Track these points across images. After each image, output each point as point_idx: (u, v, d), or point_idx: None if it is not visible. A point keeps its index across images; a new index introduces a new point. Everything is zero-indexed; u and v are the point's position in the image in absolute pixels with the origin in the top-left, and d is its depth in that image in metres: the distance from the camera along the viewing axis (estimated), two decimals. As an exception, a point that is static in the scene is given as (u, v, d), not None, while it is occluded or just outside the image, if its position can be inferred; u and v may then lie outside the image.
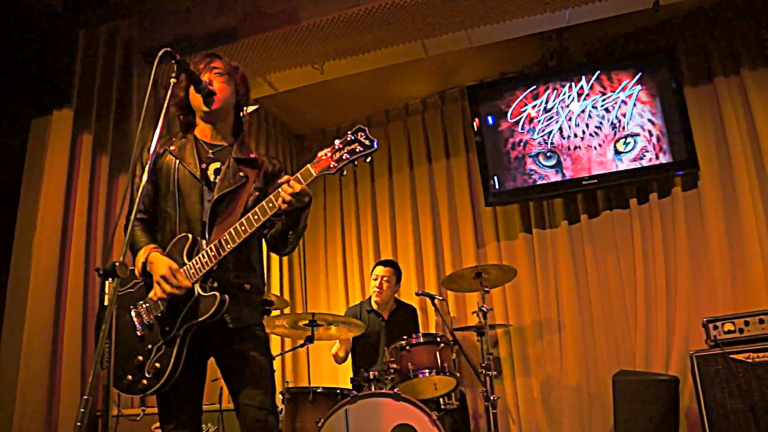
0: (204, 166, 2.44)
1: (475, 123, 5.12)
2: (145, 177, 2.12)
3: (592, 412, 4.68)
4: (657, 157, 4.75)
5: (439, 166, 5.59)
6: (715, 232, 4.64)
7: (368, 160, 2.27)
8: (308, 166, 2.27)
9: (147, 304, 2.33)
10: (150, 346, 2.29)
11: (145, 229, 2.45)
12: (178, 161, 2.44)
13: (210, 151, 2.49)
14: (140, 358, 2.28)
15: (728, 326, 3.87)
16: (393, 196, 5.70)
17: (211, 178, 2.43)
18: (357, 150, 2.25)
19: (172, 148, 2.48)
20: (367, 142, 2.26)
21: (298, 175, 2.26)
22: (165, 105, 2.22)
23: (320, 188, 5.92)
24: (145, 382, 2.27)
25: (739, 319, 3.87)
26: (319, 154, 2.28)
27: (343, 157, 2.24)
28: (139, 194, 2.11)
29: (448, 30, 4.45)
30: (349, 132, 2.26)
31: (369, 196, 5.77)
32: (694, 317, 4.40)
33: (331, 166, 2.25)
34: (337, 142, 2.27)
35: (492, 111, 5.11)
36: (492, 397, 4.10)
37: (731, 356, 3.74)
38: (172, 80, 2.27)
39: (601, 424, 4.56)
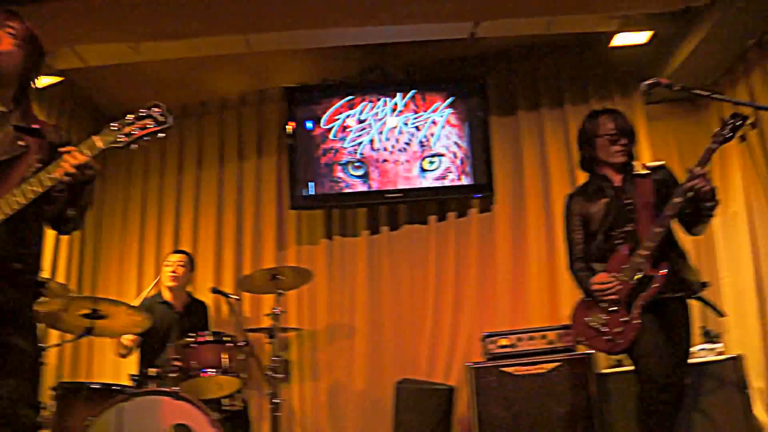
0: None
1: (289, 125, 5.09)
2: None
3: (374, 418, 4.77)
4: (459, 179, 5.00)
5: (249, 165, 5.47)
6: (503, 253, 4.97)
7: (161, 135, 2.17)
8: (93, 137, 2.10)
9: None
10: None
11: None
12: None
13: None
14: None
15: (503, 341, 4.14)
16: (199, 190, 5.48)
17: None
18: (148, 126, 2.14)
19: None
20: (161, 119, 2.16)
21: (81, 145, 2.09)
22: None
23: (122, 173, 5.57)
24: None
25: (513, 335, 4.16)
26: (109, 127, 2.14)
27: (133, 132, 2.12)
28: None
29: (272, 29, 4.41)
30: (142, 108, 2.15)
31: (173, 188, 5.50)
32: (476, 331, 4.63)
33: (118, 138, 2.12)
34: (129, 116, 2.15)
35: (309, 115, 5.10)
36: (277, 401, 4.07)
37: (502, 369, 4.00)
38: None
39: (383, 429, 4.66)
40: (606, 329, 3.00)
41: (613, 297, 2.98)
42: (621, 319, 2.96)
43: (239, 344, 4.14)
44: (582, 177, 3.52)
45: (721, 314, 3.23)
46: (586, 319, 3.09)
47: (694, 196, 2.91)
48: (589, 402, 3.85)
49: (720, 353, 3.99)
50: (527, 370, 3.99)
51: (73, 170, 2.06)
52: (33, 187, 2.06)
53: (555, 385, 3.92)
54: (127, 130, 2.12)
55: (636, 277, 2.96)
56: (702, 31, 4.39)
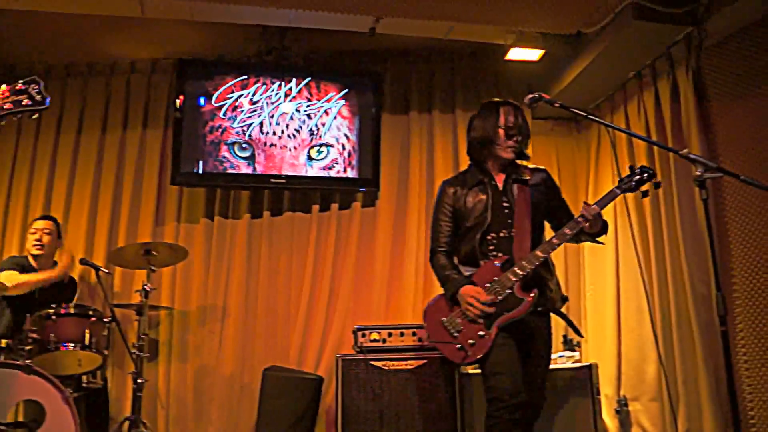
0: None
1: (179, 99, 4.93)
2: None
3: (241, 403, 4.73)
4: (345, 171, 5.02)
5: (133, 134, 5.24)
6: (382, 249, 5.05)
7: (34, 116, 2.05)
8: None
9: None
10: None
11: None
12: None
13: None
14: None
15: (374, 335, 4.21)
16: (77, 155, 5.19)
17: None
18: (24, 102, 2.02)
19: None
20: (38, 98, 2.05)
21: None
22: None
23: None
24: None
25: (384, 330, 4.23)
26: None
27: (5, 106, 2.00)
28: None
29: (171, -5, 4.26)
30: (21, 81, 2.02)
31: (50, 149, 5.17)
32: (349, 323, 4.70)
33: None
34: (4, 87, 2.01)
35: (201, 91, 4.96)
36: (140, 380, 3.96)
37: (371, 362, 4.07)
38: None
39: (248, 416, 4.62)
40: (458, 335, 2.93)
41: (477, 313, 2.90)
42: (478, 332, 2.89)
43: (104, 319, 4.00)
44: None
45: (579, 334, 3.29)
46: (442, 319, 3.01)
47: (583, 230, 2.96)
48: (453, 400, 3.99)
49: (577, 361, 4.25)
50: (395, 366, 4.08)
51: None
52: None
53: (421, 382, 4.04)
54: None
55: (503, 295, 2.90)
56: (589, 57, 4.62)
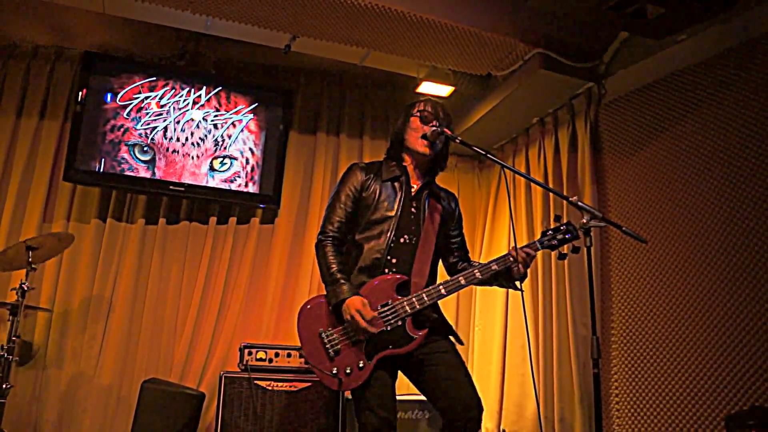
0: None
1: (82, 92, 4.73)
2: None
3: (117, 416, 4.54)
4: (246, 185, 4.96)
5: (29, 123, 4.94)
6: (277, 268, 5.02)
7: None
8: None
9: None
10: None
11: None
12: None
13: None
14: None
15: (261, 354, 4.16)
16: (-38, 137, 4.88)
17: None
18: None
19: None
20: None
21: None
22: None
23: None
24: None
25: (272, 349, 4.20)
26: None
27: None
28: None
29: (80, -17, 4.12)
30: None
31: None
32: (237, 340, 4.63)
33: None
34: None
35: (106, 87, 4.79)
36: (5, 385, 3.74)
37: (255, 381, 4.01)
38: None
39: (123, 429, 4.43)
40: (335, 357, 2.65)
41: (360, 336, 2.66)
42: (357, 362, 2.64)
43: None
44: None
45: (460, 342, 2.90)
46: (320, 330, 2.70)
47: (506, 271, 2.77)
48: (335, 424, 3.97)
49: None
50: (279, 386, 4.04)
51: None
52: None
53: (305, 405, 4.02)
54: None
55: (393, 326, 2.67)
56: (497, 99, 4.79)
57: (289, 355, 4.18)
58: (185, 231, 5.01)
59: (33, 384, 4.56)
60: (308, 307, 2.77)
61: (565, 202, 2.61)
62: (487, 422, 4.77)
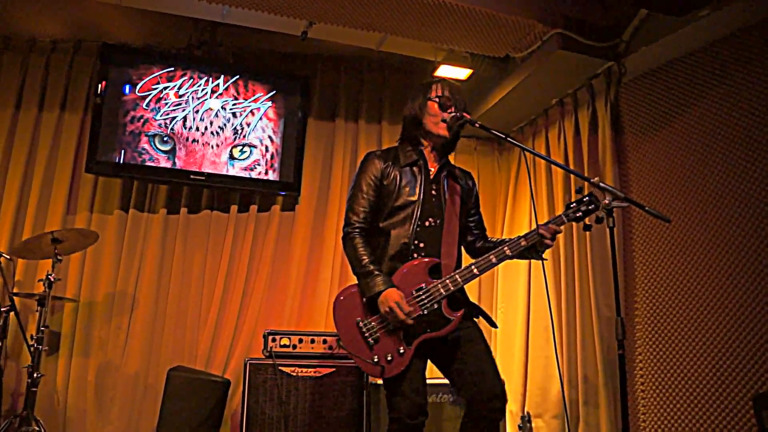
0: None
1: (101, 84, 4.77)
2: None
3: (144, 403, 4.61)
4: (266, 173, 4.97)
5: (50, 117, 5.00)
6: (299, 254, 5.04)
7: None
8: None
9: None
10: None
11: None
12: None
13: None
14: None
15: (285, 341, 4.18)
16: (-15, 132, 4.95)
17: None
18: None
19: None
20: None
21: None
22: None
23: None
24: None
25: (295, 336, 4.21)
26: None
27: None
28: None
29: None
30: None
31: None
32: (261, 327, 4.65)
33: None
34: None
35: (125, 79, 4.81)
36: (36, 374, 3.79)
37: (280, 368, 4.04)
38: None
39: (150, 417, 4.50)
40: (375, 345, 2.67)
41: (398, 325, 2.66)
42: (397, 348, 2.67)
43: (1, 308, 3.83)
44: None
45: (494, 325, 2.92)
46: (357, 320, 2.72)
47: (535, 246, 2.77)
48: (359, 410, 3.99)
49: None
50: (304, 372, 4.07)
51: None
52: None
53: (329, 390, 4.04)
54: None
55: (429, 310, 2.69)
56: (515, 81, 4.75)
57: (312, 341, 4.20)
58: (207, 220, 5.05)
59: (62, 373, 4.64)
60: (342, 298, 2.79)
61: (586, 183, 2.59)
62: (511, 405, 4.77)
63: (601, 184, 2.48)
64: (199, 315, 4.87)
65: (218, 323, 4.83)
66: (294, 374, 4.05)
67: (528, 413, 4.71)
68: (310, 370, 4.08)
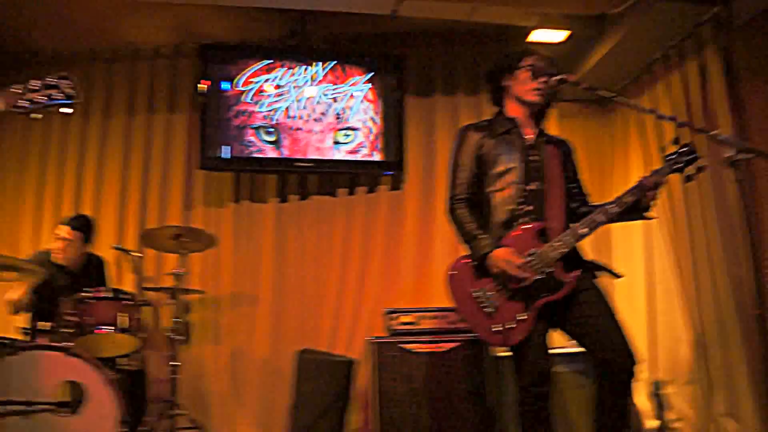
0: None
1: (203, 84, 4.94)
2: None
3: (275, 386, 4.79)
4: (371, 154, 5.03)
5: (159, 119, 5.28)
6: (410, 232, 5.08)
7: (67, 111, 2.05)
8: None
9: None
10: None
11: None
12: None
13: None
14: None
15: (405, 318, 4.23)
16: (104, 140, 5.24)
17: None
18: (54, 97, 2.03)
19: None
20: (69, 91, 2.04)
21: None
22: None
23: (19, 120, 5.17)
24: None
25: (415, 312, 4.25)
26: (11, 89, 2.00)
27: (37, 99, 2.00)
28: None
29: (193, -21, 4.27)
30: (51, 76, 2.02)
31: (77, 136, 5.23)
32: (380, 307, 4.71)
33: (19, 103, 1.99)
34: (34, 81, 2.01)
35: (225, 76, 4.97)
36: (176, 363, 3.99)
37: (403, 345, 4.10)
38: None
39: (283, 398, 4.65)
40: (494, 313, 2.68)
41: (515, 285, 2.65)
42: (516, 315, 2.65)
43: (139, 303, 4.04)
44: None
45: (617, 275, 2.87)
46: (472, 290, 2.72)
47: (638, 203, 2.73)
48: (483, 383, 4.02)
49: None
50: (427, 348, 4.11)
51: None
52: None
53: (453, 364, 4.06)
54: (30, 96, 2.00)
55: (544, 271, 2.67)
56: (614, 38, 4.60)
57: (433, 317, 4.24)
58: (317, 205, 5.16)
59: (197, 361, 4.89)
60: (453, 272, 2.82)
61: (700, 138, 2.50)
62: (640, 372, 4.68)
63: (722, 137, 2.39)
64: (319, 298, 5.01)
65: (338, 305, 4.96)
66: (417, 351, 4.10)
67: (658, 380, 4.61)
68: (432, 345, 4.11)
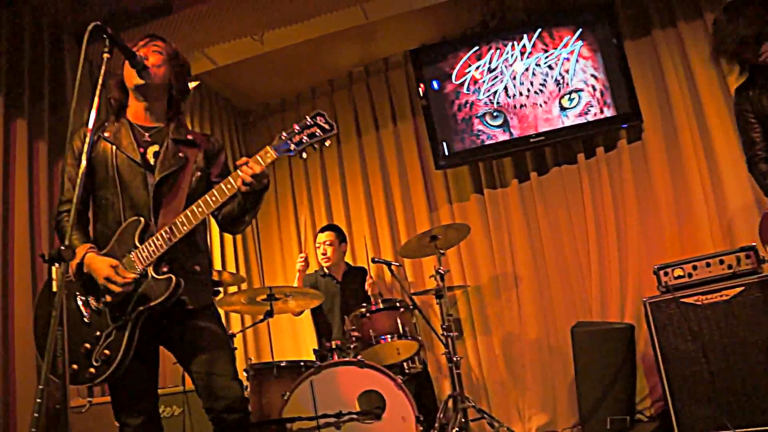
0: (142, 150, 2.36)
1: (420, 88, 5.10)
2: (83, 164, 2.00)
3: (553, 365, 4.77)
4: (602, 112, 4.80)
5: (387, 133, 5.56)
6: (661, 181, 4.75)
7: (327, 144, 2.25)
8: (268, 147, 2.23)
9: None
10: (98, 333, 2.21)
11: (77, 223, 2.36)
12: (114, 147, 2.36)
13: (146, 133, 2.41)
14: (87, 345, 2.21)
15: (678, 272, 3.96)
16: (343, 166, 5.67)
17: (151, 161, 2.36)
18: (316, 134, 2.23)
19: (106, 134, 2.38)
20: (326, 126, 2.24)
21: (257, 156, 2.22)
22: (99, 82, 2.12)
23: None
24: (92, 370, 2.20)
25: (688, 264, 3.95)
26: (279, 137, 2.24)
27: (303, 140, 2.22)
28: (78, 182, 1.97)
29: (386, -7, 4.41)
30: (308, 116, 2.24)
31: (319, 168, 5.72)
32: (646, 265, 4.51)
33: (291, 148, 2.22)
34: (295, 125, 2.24)
35: (436, 74, 5.09)
36: (455, 358, 4.13)
37: (682, 300, 3.83)
38: (105, 55, 2.15)
39: (563, 376, 4.66)
40: None
41: None
42: None
43: (410, 308, 4.25)
44: (733, 84, 3.29)
45: None
46: None
47: None
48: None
49: None
50: (709, 299, 3.80)
51: (251, 180, 2.21)
52: (216, 197, 2.23)
53: (742, 311, 3.70)
54: (296, 139, 2.21)
55: None
56: None
57: (708, 265, 3.91)
58: (558, 176, 5.05)
59: (472, 352, 5.06)
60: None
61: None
62: None
63: None
64: (580, 269, 4.89)
65: (601, 271, 4.79)
66: (699, 303, 3.81)
67: None
68: (715, 295, 3.79)
